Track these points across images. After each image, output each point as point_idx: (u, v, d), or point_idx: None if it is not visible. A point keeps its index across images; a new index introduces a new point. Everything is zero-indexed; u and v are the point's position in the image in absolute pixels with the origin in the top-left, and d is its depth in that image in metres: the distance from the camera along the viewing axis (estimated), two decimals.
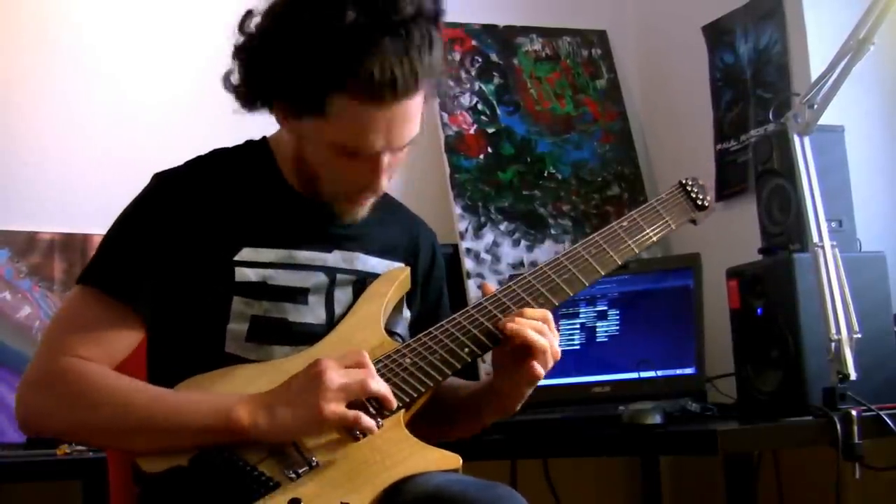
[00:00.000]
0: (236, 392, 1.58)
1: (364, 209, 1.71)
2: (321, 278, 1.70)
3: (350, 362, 1.56)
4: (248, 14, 1.66)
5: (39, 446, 2.43)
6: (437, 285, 1.90)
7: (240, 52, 1.66)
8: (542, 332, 1.66)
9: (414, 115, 1.61)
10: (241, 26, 1.66)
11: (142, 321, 1.65)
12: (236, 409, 1.54)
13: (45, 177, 2.82)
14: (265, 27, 1.63)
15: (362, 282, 1.74)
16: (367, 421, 1.53)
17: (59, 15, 2.90)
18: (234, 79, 1.68)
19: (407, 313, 1.80)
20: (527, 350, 1.65)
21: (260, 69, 1.63)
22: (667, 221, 1.87)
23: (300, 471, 1.54)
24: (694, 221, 1.93)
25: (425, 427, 1.66)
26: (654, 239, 1.85)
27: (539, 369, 1.66)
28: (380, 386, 1.55)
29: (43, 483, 2.56)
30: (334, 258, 1.72)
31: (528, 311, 1.68)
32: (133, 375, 1.67)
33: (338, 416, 1.53)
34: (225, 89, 1.69)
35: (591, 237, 1.80)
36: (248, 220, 1.68)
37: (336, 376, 1.53)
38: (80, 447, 2.37)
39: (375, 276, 1.76)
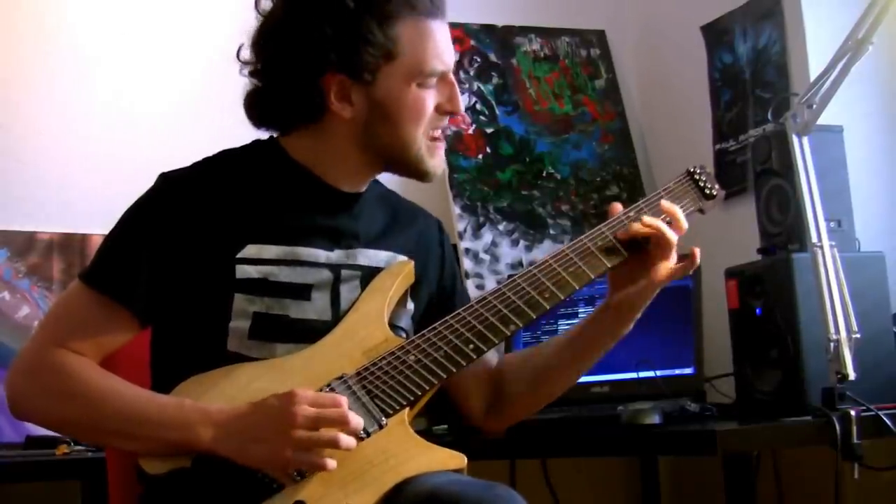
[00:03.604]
0: (231, 395, 1.59)
1: (442, 153, 1.74)
2: (325, 275, 1.70)
3: (325, 401, 1.54)
4: (261, 28, 1.69)
5: (39, 446, 2.43)
6: (450, 271, 1.90)
7: (273, 59, 1.68)
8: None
9: None
10: (257, 42, 1.69)
11: (137, 321, 1.66)
12: (198, 430, 1.55)
13: (44, 177, 2.82)
14: (298, 9, 1.65)
15: (369, 276, 1.73)
16: (331, 463, 1.52)
17: (58, 14, 2.90)
18: (264, 105, 1.71)
19: (411, 306, 1.80)
20: (656, 246, 1.71)
21: (308, 52, 1.64)
22: None
23: (304, 471, 1.54)
24: (702, 211, 1.87)
25: (510, 407, 1.81)
26: None
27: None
28: (356, 421, 1.54)
29: (42, 483, 2.55)
30: (338, 255, 1.72)
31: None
32: (137, 373, 1.69)
33: (300, 463, 1.52)
34: (255, 121, 1.73)
35: (597, 227, 1.76)
36: (254, 217, 1.68)
37: (308, 413, 1.51)
38: (79, 447, 2.37)
39: (380, 269, 1.75)
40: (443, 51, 1.68)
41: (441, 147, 1.73)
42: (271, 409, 1.53)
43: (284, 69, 1.67)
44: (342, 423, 1.51)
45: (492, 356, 1.85)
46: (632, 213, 1.78)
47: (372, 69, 1.63)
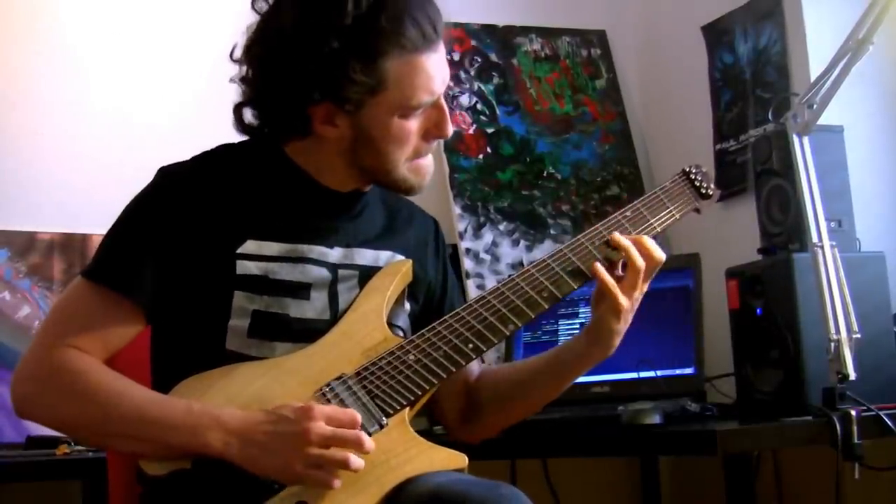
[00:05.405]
0: (230, 395, 1.58)
1: (428, 167, 1.73)
2: (323, 273, 1.70)
3: (342, 419, 1.53)
4: (250, 41, 1.67)
5: (39, 446, 2.43)
6: (443, 272, 1.89)
7: (260, 79, 1.66)
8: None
9: None
10: (247, 53, 1.67)
11: (142, 314, 1.65)
12: (208, 435, 1.53)
13: (45, 177, 2.82)
14: (283, 42, 1.62)
15: (367, 276, 1.73)
16: (337, 482, 1.51)
17: (52, 14, 2.90)
18: (253, 114, 1.70)
19: (409, 305, 1.80)
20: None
21: (293, 86, 1.62)
22: (671, 211, 1.82)
23: None
24: (698, 210, 1.87)
25: (476, 424, 1.81)
26: (659, 229, 1.80)
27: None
28: (370, 444, 1.53)
29: (43, 483, 2.56)
30: (336, 253, 1.72)
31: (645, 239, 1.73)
32: (137, 371, 1.68)
33: (309, 478, 1.51)
34: (243, 132, 1.72)
35: (594, 227, 1.76)
36: (254, 212, 1.68)
37: (324, 432, 1.50)
38: (79, 447, 2.37)
39: (378, 269, 1.75)
40: (433, 82, 1.64)
41: (424, 162, 1.72)
42: (286, 422, 1.52)
43: (270, 96, 1.66)
44: (357, 446, 1.51)
45: (474, 367, 1.85)
46: (629, 213, 1.79)
47: (356, 102, 1.62)
